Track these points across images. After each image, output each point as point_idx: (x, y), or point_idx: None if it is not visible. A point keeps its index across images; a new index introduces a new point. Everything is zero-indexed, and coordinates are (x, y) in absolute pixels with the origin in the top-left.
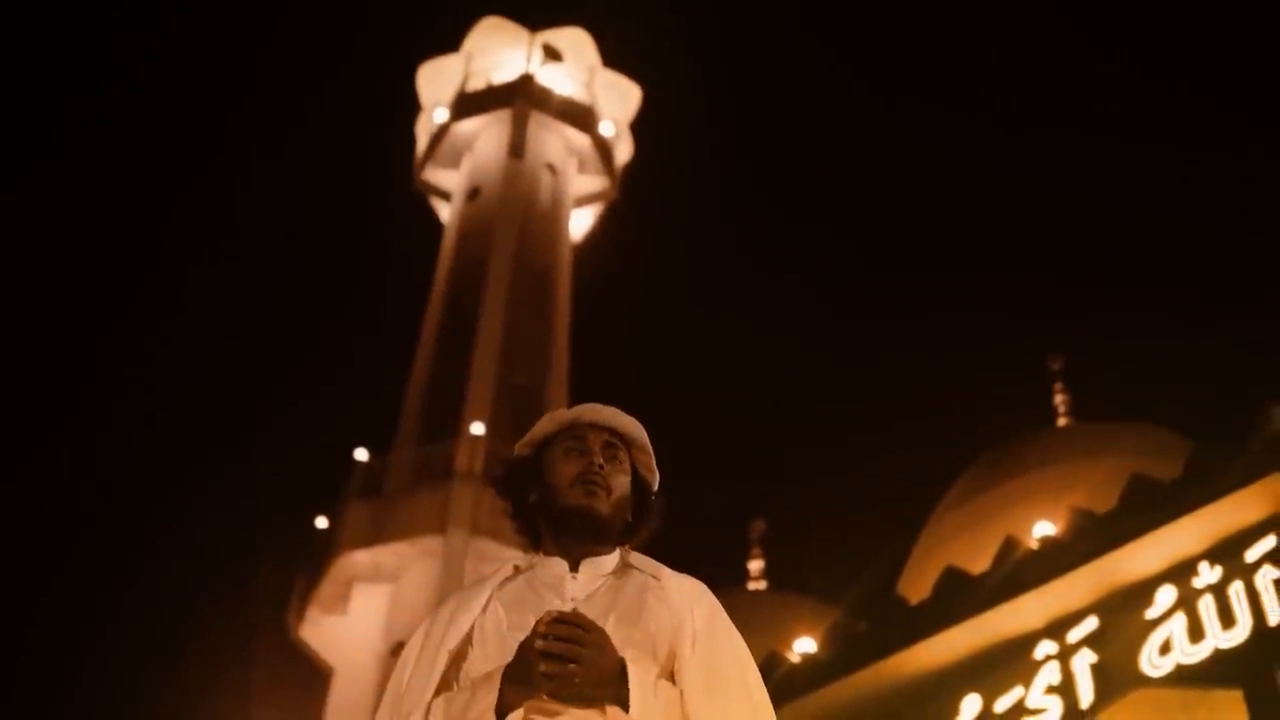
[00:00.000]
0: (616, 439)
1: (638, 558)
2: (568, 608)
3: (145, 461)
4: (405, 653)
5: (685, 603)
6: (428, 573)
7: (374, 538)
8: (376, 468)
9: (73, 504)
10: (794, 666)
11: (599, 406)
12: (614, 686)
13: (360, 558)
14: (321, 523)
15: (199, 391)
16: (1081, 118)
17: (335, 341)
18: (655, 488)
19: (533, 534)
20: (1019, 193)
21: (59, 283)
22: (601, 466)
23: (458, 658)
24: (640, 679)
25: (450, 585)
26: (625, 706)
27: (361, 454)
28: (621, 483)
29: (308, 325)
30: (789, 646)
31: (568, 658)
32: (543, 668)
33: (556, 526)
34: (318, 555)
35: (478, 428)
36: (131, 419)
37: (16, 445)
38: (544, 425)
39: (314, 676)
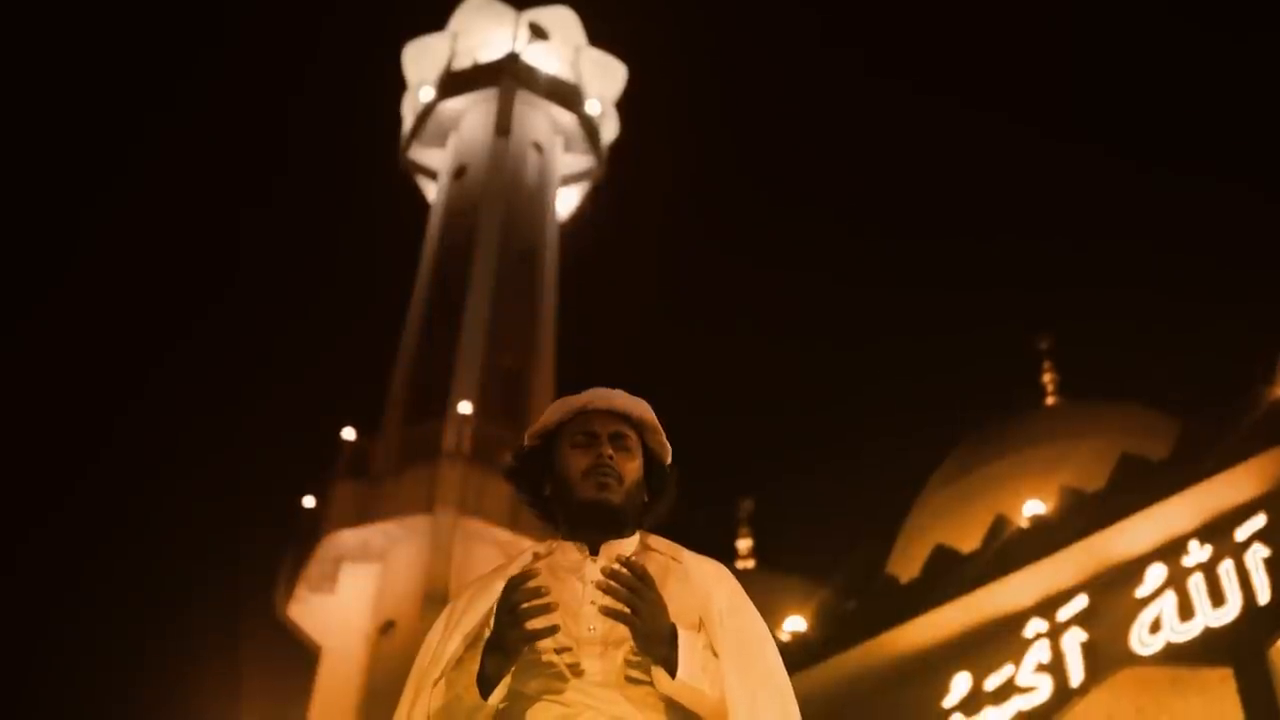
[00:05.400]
0: (625, 424)
1: (657, 540)
2: (589, 591)
3: (133, 441)
4: (427, 640)
5: (707, 583)
6: (415, 552)
7: (361, 517)
8: (364, 447)
9: (61, 483)
10: (783, 645)
11: (606, 391)
12: (665, 648)
13: (348, 537)
14: (309, 502)
15: (187, 371)
16: (1069, 96)
17: (322, 321)
18: (669, 462)
19: (553, 521)
20: (1008, 171)
21: (39, 267)
22: (611, 457)
23: (475, 641)
24: (690, 645)
25: (438, 564)
26: (672, 671)
27: (349, 434)
28: (632, 468)
29: (294, 304)
30: (778, 625)
31: (630, 605)
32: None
33: (573, 519)
34: (305, 535)
35: (465, 407)
36: (119, 399)
37: None
38: (551, 414)
39: (302, 655)
